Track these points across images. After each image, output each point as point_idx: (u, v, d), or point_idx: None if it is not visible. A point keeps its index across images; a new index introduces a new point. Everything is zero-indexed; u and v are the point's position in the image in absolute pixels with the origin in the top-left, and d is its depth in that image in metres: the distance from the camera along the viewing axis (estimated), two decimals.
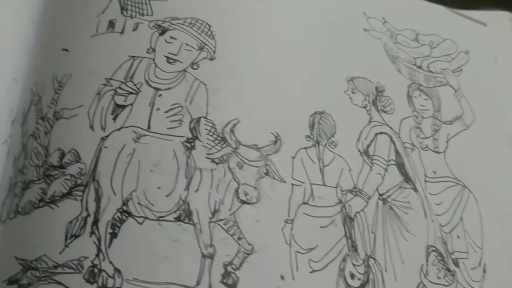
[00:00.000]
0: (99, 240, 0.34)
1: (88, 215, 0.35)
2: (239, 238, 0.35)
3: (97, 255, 0.34)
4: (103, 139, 0.37)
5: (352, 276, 0.37)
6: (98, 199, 0.36)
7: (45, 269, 0.34)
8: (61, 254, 0.34)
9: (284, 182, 0.38)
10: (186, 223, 0.35)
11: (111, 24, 0.42)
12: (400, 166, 0.43)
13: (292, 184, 0.39)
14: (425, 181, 0.43)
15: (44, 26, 0.45)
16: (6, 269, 0.35)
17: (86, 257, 0.34)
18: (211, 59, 0.41)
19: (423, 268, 0.40)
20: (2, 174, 0.41)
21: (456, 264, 0.41)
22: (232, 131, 0.38)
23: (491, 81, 0.51)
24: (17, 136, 0.42)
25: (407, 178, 0.43)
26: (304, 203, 0.38)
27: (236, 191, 0.37)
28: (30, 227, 0.36)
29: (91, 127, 0.38)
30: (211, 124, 0.38)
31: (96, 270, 0.33)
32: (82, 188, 0.36)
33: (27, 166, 0.39)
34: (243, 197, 0.37)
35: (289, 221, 0.37)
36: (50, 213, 0.36)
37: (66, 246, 0.34)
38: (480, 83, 0.50)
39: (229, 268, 0.34)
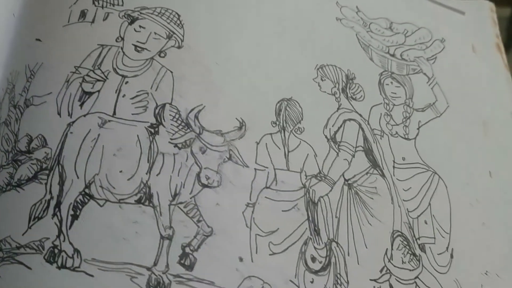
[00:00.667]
0: (60, 222, 0.35)
1: (52, 197, 0.36)
2: (199, 221, 0.36)
3: (58, 236, 0.35)
4: (70, 124, 0.38)
5: (313, 259, 0.38)
6: (61, 183, 0.36)
7: (8, 250, 0.35)
8: (24, 235, 0.35)
9: (247, 166, 0.39)
10: (146, 205, 0.36)
11: (83, 14, 0.43)
12: (368, 152, 0.43)
13: (255, 169, 0.39)
14: (394, 167, 0.44)
15: (23, 19, 0.46)
16: None
17: (48, 238, 0.35)
18: (179, 47, 0.42)
19: (387, 252, 0.40)
20: None
21: (422, 249, 0.41)
22: (196, 117, 0.39)
23: (467, 69, 0.51)
24: None
25: (374, 164, 0.43)
26: (267, 188, 0.39)
27: (198, 175, 0.37)
28: None
29: (59, 113, 0.39)
30: (175, 110, 0.39)
31: (56, 251, 0.34)
32: (47, 172, 0.37)
33: None
34: (204, 181, 0.37)
35: (251, 205, 0.38)
36: (16, 197, 0.37)
37: (29, 227, 0.35)
38: (456, 71, 0.50)
39: (187, 250, 0.35)
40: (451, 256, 0.42)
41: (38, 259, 0.34)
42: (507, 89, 0.51)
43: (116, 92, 0.40)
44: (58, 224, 0.35)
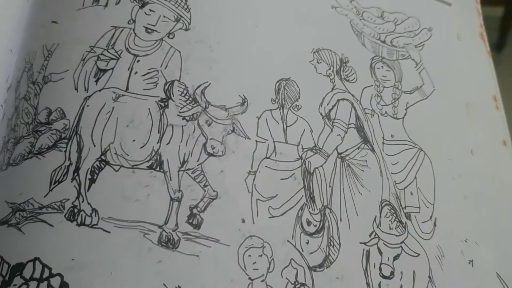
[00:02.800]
0: (79, 185, 0.39)
1: (71, 163, 0.39)
2: (205, 186, 0.40)
3: (77, 198, 0.38)
4: (86, 98, 0.42)
5: (309, 222, 0.41)
6: (79, 150, 0.40)
7: (31, 210, 0.38)
8: (46, 197, 0.38)
9: (249, 138, 0.42)
10: (157, 171, 0.39)
11: None
12: (359, 129, 0.47)
13: (256, 141, 0.43)
14: (383, 143, 0.47)
15: (37, 2, 0.50)
16: None
17: (68, 199, 0.38)
18: (186, 29, 0.45)
19: (376, 219, 0.44)
20: None
21: (408, 217, 0.45)
22: (202, 93, 0.43)
23: (452, 55, 0.55)
24: (11, 101, 0.46)
25: (365, 140, 0.47)
26: (267, 158, 0.42)
27: (204, 145, 0.41)
28: (20, 175, 0.40)
29: (76, 89, 0.42)
30: (183, 87, 0.43)
31: (75, 210, 0.38)
32: (66, 141, 0.40)
33: (19, 124, 0.43)
34: (210, 150, 0.41)
35: (252, 173, 0.41)
36: (37, 163, 0.40)
37: (50, 190, 0.39)
38: (442, 57, 0.54)
39: (195, 211, 0.39)
40: (434, 225, 0.46)
41: (59, 217, 0.38)
42: (489, 74, 0.55)
43: (128, 70, 0.43)
44: (77, 187, 0.39)
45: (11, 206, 0.39)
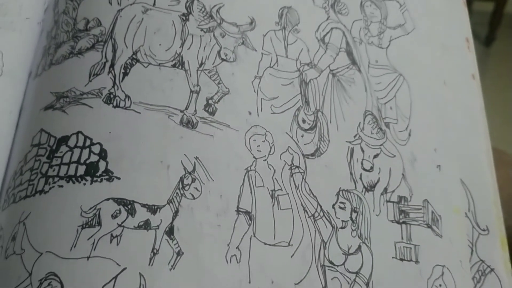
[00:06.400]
0: (114, 77, 0.46)
1: (107, 61, 0.47)
2: (219, 83, 0.47)
3: (113, 86, 0.46)
4: (119, 11, 0.49)
5: (304, 121, 0.49)
6: (114, 51, 0.47)
7: (73, 96, 0.46)
8: (86, 86, 0.46)
9: (256, 51, 0.50)
10: (179, 69, 0.47)
11: None
12: (349, 53, 0.55)
13: (262, 53, 0.50)
14: (368, 66, 0.55)
15: None
16: (43, 102, 0.47)
17: (105, 88, 0.46)
18: None
19: (360, 125, 0.52)
20: (37, 45, 0.53)
21: (387, 126, 0.53)
22: (218, 11, 0.50)
23: (433, 2, 0.63)
24: (49, 20, 0.54)
25: (353, 62, 0.55)
26: (270, 67, 0.50)
27: (218, 52, 0.49)
28: (62, 72, 0.48)
29: (110, 3, 0.50)
30: (202, 5, 0.50)
31: (112, 96, 0.45)
32: (102, 43, 0.48)
33: (59, 33, 0.51)
34: (223, 56, 0.48)
35: (258, 77, 0.49)
36: (77, 61, 0.48)
37: (90, 81, 0.46)
38: (423, 2, 0.62)
39: (210, 101, 0.46)
40: (409, 135, 0.54)
41: (98, 101, 0.45)
42: (464, 19, 0.63)
43: None
44: (113, 78, 0.46)
45: (55, 94, 0.47)
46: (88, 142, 0.43)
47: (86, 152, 0.43)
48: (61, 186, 0.42)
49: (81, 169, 0.42)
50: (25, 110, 0.50)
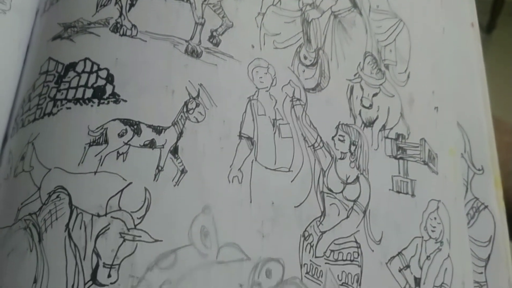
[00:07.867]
0: (121, 7, 0.47)
1: None
2: (223, 17, 0.49)
3: (120, 16, 0.47)
4: None
5: (305, 57, 0.50)
6: None
7: (81, 26, 0.47)
8: (93, 16, 0.47)
9: None
10: (185, 2, 0.48)
11: None
12: None
13: None
14: (369, 10, 0.57)
15: None
16: (51, 33, 0.48)
17: (112, 17, 0.47)
18: None
19: (360, 64, 0.53)
20: None
21: (386, 67, 0.55)
22: None
23: None
24: None
25: (355, 5, 0.56)
26: (273, 5, 0.51)
27: None
28: (69, 4, 0.49)
29: None
30: None
31: (118, 25, 0.46)
32: None
33: None
34: None
35: (261, 14, 0.50)
36: None
37: (97, 11, 0.47)
38: None
39: (214, 33, 0.48)
40: (408, 77, 0.55)
41: (105, 30, 0.46)
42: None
43: None
44: (119, 9, 0.47)
45: (63, 25, 0.48)
46: (95, 68, 0.45)
47: (93, 76, 0.44)
48: (69, 108, 0.43)
49: (89, 92, 0.44)
50: (33, 44, 0.51)
